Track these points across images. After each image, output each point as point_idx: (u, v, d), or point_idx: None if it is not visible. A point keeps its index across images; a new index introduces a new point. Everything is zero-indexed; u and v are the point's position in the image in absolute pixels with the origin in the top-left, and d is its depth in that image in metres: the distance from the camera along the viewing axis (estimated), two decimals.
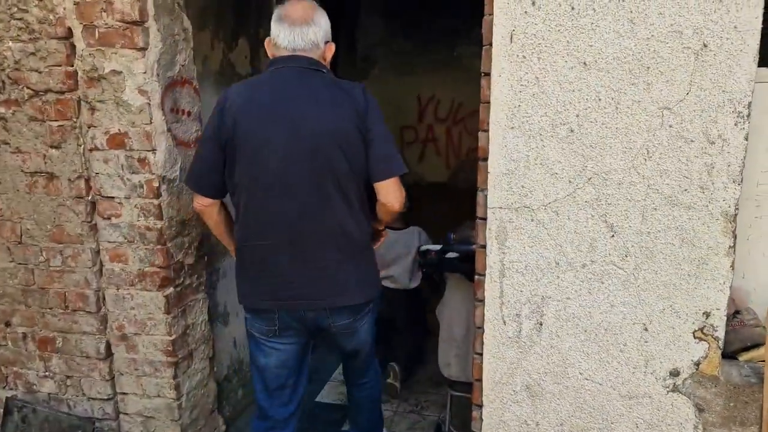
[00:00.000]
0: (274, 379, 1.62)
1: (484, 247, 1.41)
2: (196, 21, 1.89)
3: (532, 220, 1.38)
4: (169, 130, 1.68)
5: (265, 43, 1.53)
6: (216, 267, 2.07)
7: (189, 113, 1.78)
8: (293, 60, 1.47)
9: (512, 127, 1.35)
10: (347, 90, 1.47)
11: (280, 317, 1.55)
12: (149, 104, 1.61)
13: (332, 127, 1.43)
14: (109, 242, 1.74)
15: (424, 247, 2.23)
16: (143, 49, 1.58)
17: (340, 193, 1.47)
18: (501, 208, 1.39)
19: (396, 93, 4.19)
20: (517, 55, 1.32)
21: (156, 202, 1.67)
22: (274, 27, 1.48)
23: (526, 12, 1.31)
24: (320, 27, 1.49)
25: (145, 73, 1.59)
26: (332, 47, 1.53)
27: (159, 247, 1.70)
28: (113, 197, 1.70)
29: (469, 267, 1.59)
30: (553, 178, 1.35)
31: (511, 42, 1.32)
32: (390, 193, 1.50)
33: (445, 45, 4.02)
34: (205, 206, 1.54)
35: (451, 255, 1.94)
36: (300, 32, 1.47)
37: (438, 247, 2.04)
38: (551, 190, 1.36)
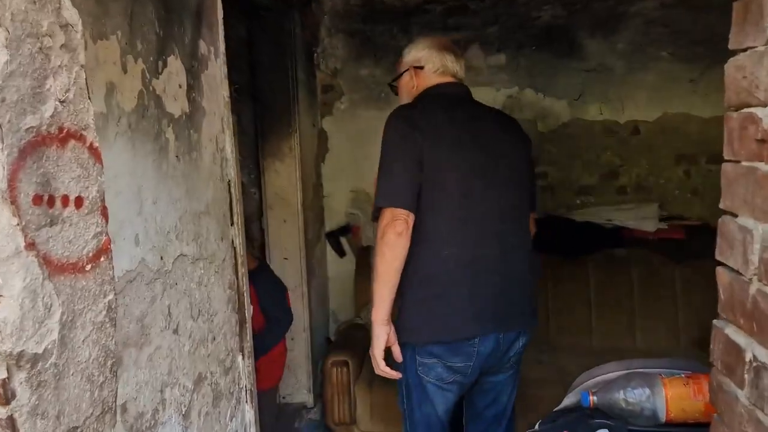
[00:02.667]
0: None
1: None
2: (93, 21, 1.04)
3: None
4: (31, 245, 0.79)
5: (413, 72, 1.81)
6: None
7: (80, 201, 0.89)
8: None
9: None
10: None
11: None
12: None
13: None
14: None
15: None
16: None
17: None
18: None
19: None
20: None
21: (3, 412, 0.76)
22: (438, 54, 1.77)
23: None
24: None
25: None
26: None
27: None
28: None
29: None
30: None
31: None
32: None
33: None
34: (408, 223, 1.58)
35: None
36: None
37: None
38: None
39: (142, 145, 1.24)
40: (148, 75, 1.29)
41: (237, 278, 2.06)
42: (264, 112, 2.94)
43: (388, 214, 1.60)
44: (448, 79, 1.76)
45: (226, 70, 1.89)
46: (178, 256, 1.45)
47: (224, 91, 1.93)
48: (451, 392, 1.73)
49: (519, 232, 1.73)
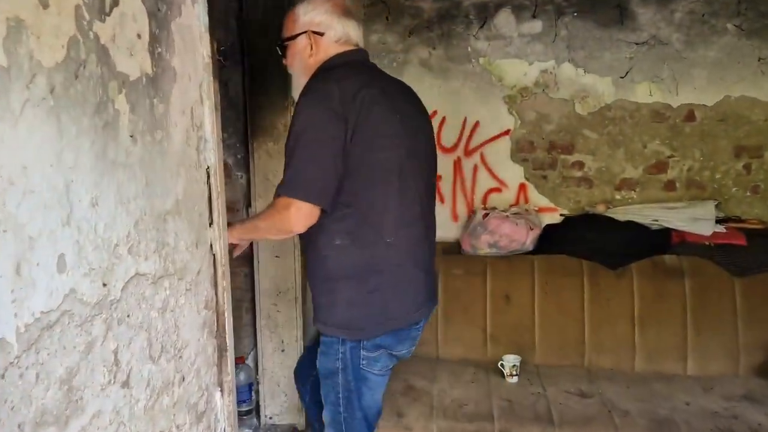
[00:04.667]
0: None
1: None
2: None
3: None
4: None
5: (312, 37, 1.66)
6: None
7: None
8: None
9: None
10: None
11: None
12: None
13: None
14: None
15: None
16: None
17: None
18: None
19: None
20: None
21: None
22: (340, 21, 1.66)
23: None
24: None
25: None
26: None
27: None
28: None
29: None
30: None
31: None
32: None
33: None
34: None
35: None
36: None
37: None
38: None
39: (73, 120, 0.86)
40: (86, 14, 0.90)
41: (216, 293, 1.70)
42: (255, 82, 2.54)
43: (304, 209, 1.53)
44: (350, 47, 1.68)
45: (207, 20, 1.51)
46: (132, 277, 1.08)
47: (204, 49, 1.55)
48: (388, 376, 1.82)
49: (433, 210, 1.82)
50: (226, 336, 1.69)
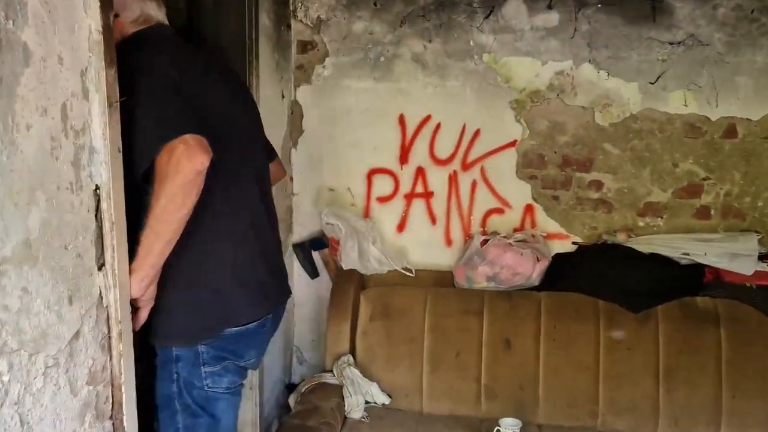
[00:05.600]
0: None
1: None
2: None
3: None
4: None
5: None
6: None
7: None
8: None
9: None
10: None
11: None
12: None
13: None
14: None
15: None
16: None
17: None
18: None
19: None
20: None
21: None
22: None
23: None
24: None
25: None
26: None
27: None
28: None
29: None
30: None
31: None
32: None
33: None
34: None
35: None
36: None
37: None
38: None
39: None
40: None
41: (111, 360, 1.30)
42: None
43: (186, 142, 1.28)
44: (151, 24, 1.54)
45: None
46: None
47: (92, 20, 1.15)
48: (240, 397, 1.69)
49: (270, 190, 1.75)
50: (124, 418, 1.28)
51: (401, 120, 2.71)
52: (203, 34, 2.12)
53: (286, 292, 1.81)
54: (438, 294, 2.56)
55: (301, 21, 2.68)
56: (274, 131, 2.55)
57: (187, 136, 1.28)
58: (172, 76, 1.38)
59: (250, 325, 1.56)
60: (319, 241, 2.80)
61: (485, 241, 2.55)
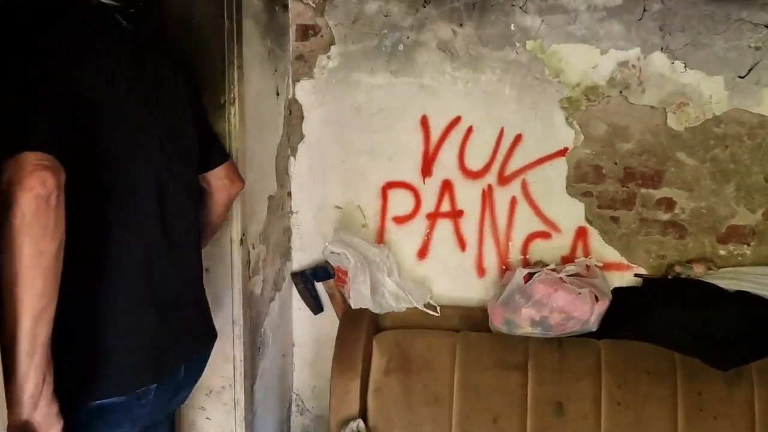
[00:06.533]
0: None
1: None
2: None
3: None
4: None
5: None
6: None
7: None
8: None
9: None
10: None
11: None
12: None
13: None
14: None
15: None
16: None
17: None
18: None
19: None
20: None
21: None
22: None
23: None
24: None
25: None
26: None
27: None
28: None
29: None
30: None
31: None
32: None
33: None
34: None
35: None
36: None
37: None
38: None
39: None
40: None
41: None
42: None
43: (21, 162, 0.90)
44: None
45: None
46: None
47: None
48: None
49: (188, 209, 1.38)
50: None
51: (424, 122, 2.22)
52: (174, 13, 1.65)
53: (202, 338, 1.44)
54: (470, 340, 2.08)
55: (300, 0, 2.20)
56: (266, 137, 2.08)
57: (35, 155, 0.92)
58: (48, 63, 1.02)
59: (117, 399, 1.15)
60: (323, 270, 2.32)
61: (530, 275, 2.07)
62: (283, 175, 2.26)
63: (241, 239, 1.77)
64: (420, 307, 2.21)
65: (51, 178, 0.91)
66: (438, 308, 2.23)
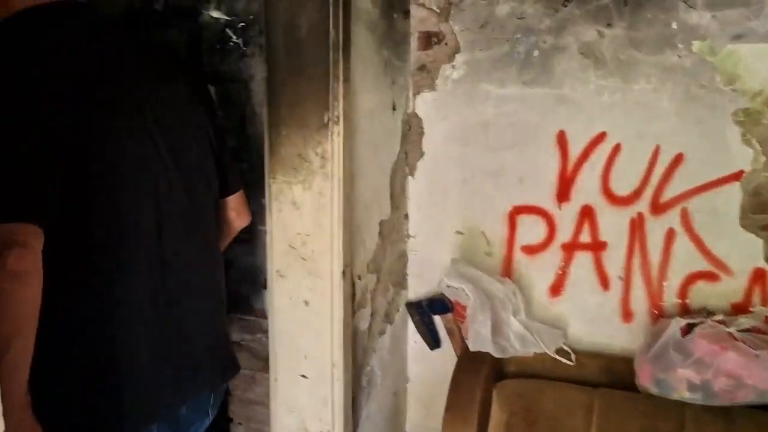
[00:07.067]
0: None
1: None
2: None
3: None
4: None
5: None
6: None
7: None
8: None
9: None
10: None
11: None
12: None
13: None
14: None
15: None
16: None
17: None
18: None
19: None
20: None
21: None
22: None
23: None
24: None
25: None
26: None
27: None
28: None
29: None
30: None
31: None
32: None
33: None
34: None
35: None
36: None
37: None
38: None
39: None
40: None
41: None
42: (277, 80, 1.52)
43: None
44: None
45: None
46: None
47: None
48: None
49: (201, 253, 1.32)
50: None
51: (561, 139, 1.93)
52: (275, 27, 1.52)
53: (218, 373, 1.42)
54: (611, 400, 1.76)
55: (423, 5, 2.01)
56: (380, 156, 1.91)
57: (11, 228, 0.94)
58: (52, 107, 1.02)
59: None
60: (441, 303, 2.11)
61: (689, 327, 1.71)
62: (399, 197, 2.08)
63: (343, 271, 1.60)
64: (550, 353, 1.93)
65: (33, 259, 0.94)
66: (573, 355, 1.93)
